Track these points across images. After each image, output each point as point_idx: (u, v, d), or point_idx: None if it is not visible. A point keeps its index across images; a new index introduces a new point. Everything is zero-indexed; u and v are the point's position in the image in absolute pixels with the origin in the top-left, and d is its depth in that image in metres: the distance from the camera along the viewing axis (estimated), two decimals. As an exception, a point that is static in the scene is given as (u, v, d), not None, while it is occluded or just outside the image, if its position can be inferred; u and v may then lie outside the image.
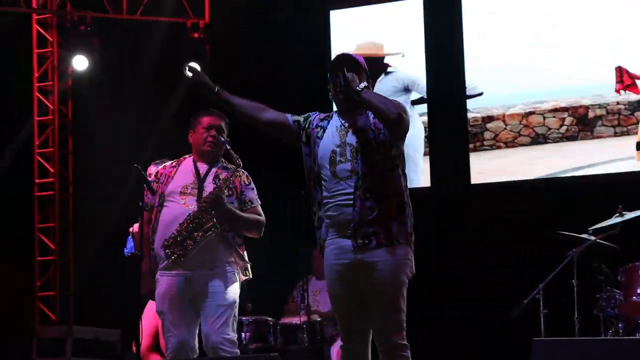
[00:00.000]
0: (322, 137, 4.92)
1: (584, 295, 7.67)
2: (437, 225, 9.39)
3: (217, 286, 5.67)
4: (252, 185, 5.89)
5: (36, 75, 11.13)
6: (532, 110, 9.55)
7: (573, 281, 7.66)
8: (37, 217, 11.05)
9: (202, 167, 5.86)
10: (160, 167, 6.86)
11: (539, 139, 9.53)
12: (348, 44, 10.23)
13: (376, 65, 9.84)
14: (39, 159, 11.10)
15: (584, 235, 7.74)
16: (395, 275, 4.73)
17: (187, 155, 5.99)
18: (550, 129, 9.49)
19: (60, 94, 11.18)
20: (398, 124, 4.77)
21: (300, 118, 5.04)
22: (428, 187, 9.94)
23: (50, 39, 11.14)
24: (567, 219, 8.49)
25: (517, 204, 9.53)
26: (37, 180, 11.08)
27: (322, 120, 5.00)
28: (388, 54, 9.97)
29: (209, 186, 5.77)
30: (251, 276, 5.93)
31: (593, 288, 7.68)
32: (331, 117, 4.99)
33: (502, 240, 9.37)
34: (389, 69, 9.90)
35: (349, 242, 4.77)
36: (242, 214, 5.78)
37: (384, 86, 9.79)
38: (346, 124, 4.89)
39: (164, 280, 5.74)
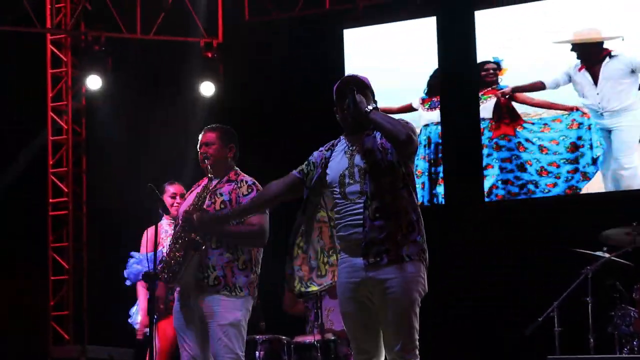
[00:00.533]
0: (329, 165, 4.92)
1: (598, 312, 7.65)
2: (441, 232, 9.37)
3: (211, 307, 5.59)
4: (254, 194, 5.66)
5: (50, 95, 11.17)
6: None
7: (587, 299, 7.64)
8: (51, 237, 11.07)
9: (211, 185, 5.79)
10: (172, 186, 6.89)
11: None
12: (362, 62, 10.25)
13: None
14: (53, 178, 11.12)
15: (599, 253, 7.72)
16: (407, 293, 4.71)
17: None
18: None
19: (74, 113, 11.22)
20: (407, 144, 4.74)
21: (303, 166, 5.05)
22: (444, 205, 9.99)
23: (65, 59, 11.19)
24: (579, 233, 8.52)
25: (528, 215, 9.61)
26: (51, 200, 11.10)
27: (327, 150, 5.00)
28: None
29: (206, 203, 5.70)
30: (246, 294, 5.70)
31: (607, 306, 7.66)
32: (337, 143, 4.99)
33: (503, 241, 9.40)
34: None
35: (360, 260, 4.75)
36: (228, 227, 5.60)
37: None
38: (353, 147, 4.88)
39: (176, 298, 5.79)
